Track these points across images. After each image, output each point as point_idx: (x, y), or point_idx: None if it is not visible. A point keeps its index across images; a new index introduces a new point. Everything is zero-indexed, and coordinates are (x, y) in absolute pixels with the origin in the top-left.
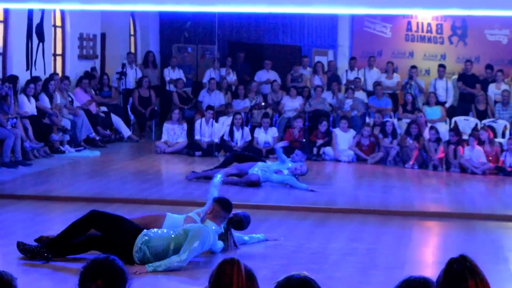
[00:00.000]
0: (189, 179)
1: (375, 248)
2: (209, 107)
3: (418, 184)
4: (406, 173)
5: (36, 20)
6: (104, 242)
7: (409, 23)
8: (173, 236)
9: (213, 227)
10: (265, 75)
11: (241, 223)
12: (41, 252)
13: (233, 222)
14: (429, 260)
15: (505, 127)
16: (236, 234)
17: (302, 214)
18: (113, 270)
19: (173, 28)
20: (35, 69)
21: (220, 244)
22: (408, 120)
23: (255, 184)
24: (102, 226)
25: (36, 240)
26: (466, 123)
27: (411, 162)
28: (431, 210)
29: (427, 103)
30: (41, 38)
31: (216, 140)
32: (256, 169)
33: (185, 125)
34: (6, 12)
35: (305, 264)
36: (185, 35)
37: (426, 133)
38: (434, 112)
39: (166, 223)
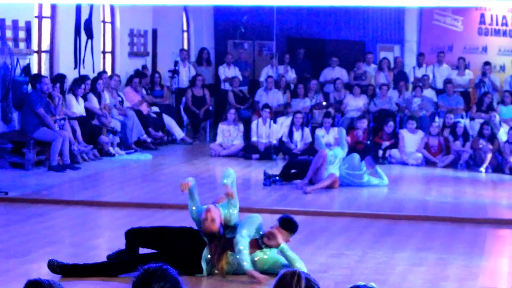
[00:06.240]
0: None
1: (445, 258)
2: (266, 106)
3: (492, 190)
4: (479, 177)
5: (84, 16)
6: (164, 258)
7: (482, 15)
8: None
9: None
10: (331, 73)
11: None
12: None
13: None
14: (504, 271)
15: None
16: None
17: (366, 221)
18: (167, 279)
19: (228, 23)
20: (84, 68)
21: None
22: (480, 121)
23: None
24: (154, 243)
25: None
26: None
27: (484, 166)
28: (506, 217)
29: (502, 101)
30: (89, 35)
31: (275, 142)
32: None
33: (241, 126)
34: (53, 8)
35: (370, 275)
36: (241, 31)
37: (501, 134)
38: (509, 111)
39: None
